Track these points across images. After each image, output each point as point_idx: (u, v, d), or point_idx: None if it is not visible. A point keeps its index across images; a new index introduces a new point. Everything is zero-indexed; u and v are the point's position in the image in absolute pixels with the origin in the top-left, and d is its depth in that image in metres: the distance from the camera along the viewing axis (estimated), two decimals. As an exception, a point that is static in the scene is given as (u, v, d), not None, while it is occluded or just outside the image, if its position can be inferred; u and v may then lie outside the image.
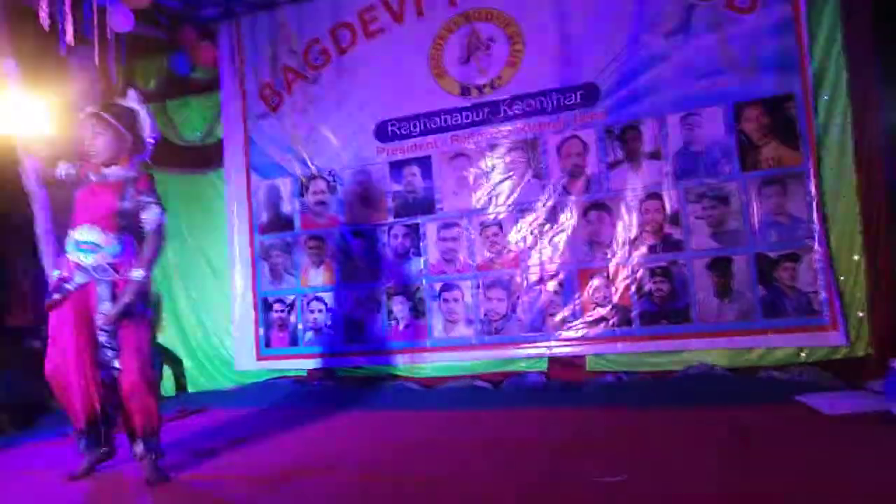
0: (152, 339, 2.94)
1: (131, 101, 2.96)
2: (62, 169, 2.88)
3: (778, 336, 3.93)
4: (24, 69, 4.11)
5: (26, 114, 3.44)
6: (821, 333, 3.86)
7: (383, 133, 4.87)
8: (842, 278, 3.88)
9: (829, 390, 3.46)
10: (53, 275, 2.88)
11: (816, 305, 3.88)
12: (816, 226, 3.90)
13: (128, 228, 2.83)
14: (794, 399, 3.35)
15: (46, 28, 3.91)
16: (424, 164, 4.76)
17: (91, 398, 2.73)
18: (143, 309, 2.81)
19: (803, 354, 3.93)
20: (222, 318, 5.23)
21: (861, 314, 3.85)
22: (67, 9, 4.05)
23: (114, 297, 2.74)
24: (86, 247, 2.74)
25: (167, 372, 5.28)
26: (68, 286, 2.75)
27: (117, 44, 4.56)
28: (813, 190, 3.91)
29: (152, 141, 2.99)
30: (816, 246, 3.89)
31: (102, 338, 2.73)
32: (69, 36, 4.05)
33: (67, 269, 2.79)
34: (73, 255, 2.77)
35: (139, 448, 2.73)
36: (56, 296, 2.76)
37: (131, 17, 4.52)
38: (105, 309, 2.72)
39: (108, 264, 2.76)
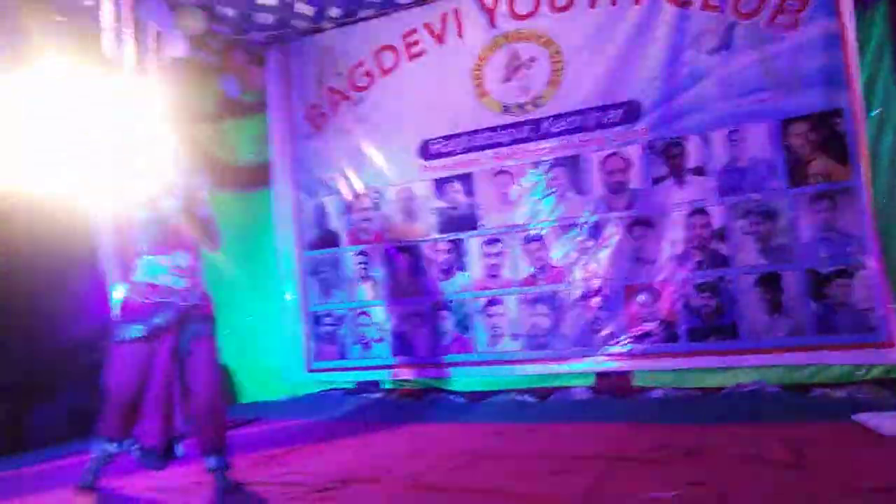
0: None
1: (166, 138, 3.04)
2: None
3: (832, 353, 3.88)
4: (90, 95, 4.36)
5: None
6: (878, 350, 3.79)
7: (426, 151, 4.97)
8: (898, 294, 3.81)
9: (888, 409, 3.38)
10: (118, 296, 2.93)
11: (873, 322, 3.81)
12: (870, 241, 3.83)
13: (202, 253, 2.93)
14: (850, 418, 3.28)
15: (110, 56, 4.12)
16: (467, 181, 4.84)
17: (169, 421, 2.80)
18: (214, 324, 2.89)
19: (860, 372, 3.85)
20: (273, 331, 5.37)
21: (918, 331, 3.76)
22: (128, 36, 4.27)
23: (203, 320, 2.81)
24: (178, 272, 2.79)
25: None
26: (158, 321, 2.74)
27: (172, 68, 4.78)
28: (865, 205, 3.86)
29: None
30: (871, 262, 3.82)
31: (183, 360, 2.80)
32: (130, 62, 4.26)
33: (146, 296, 2.77)
34: (161, 279, 2.78)
35: (212, 461, 2.79)
36: (140, 331, 2.73)
37: (186, 43, 4.73)
38: (191, 332, 2.78)
39: (194, 288, 2.83)
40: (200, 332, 2.80)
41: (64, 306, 4.41)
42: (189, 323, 2.79)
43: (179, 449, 2.88)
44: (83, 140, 3.90)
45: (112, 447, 2.78)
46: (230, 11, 4.89)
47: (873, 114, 3.93)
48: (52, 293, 4.34)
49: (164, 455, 2.83)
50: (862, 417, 3.22)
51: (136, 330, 2.73)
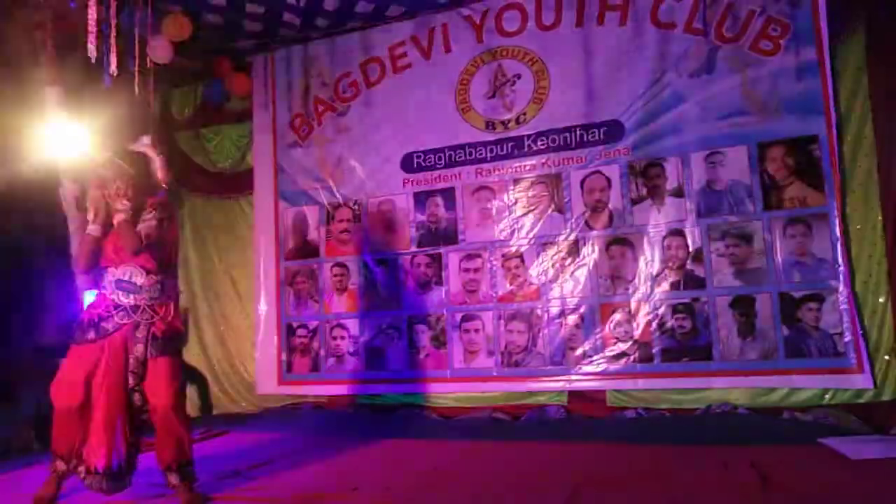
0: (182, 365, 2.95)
1: (144, 146, 2.96)
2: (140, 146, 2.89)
3: (802, 377, 3.90)
4: (70, 97, 4.33)
5: (69, 140, 3.54)
6: (846, 376, 3.82)
7: (409, 164, 4.97)
8: (867, 321, 3.85)
9: (854, 434, 3.42)
10: (85, 303, 2.90)
11: (841, 347, 3.84)
12: (841, 267, 3.88)
13: (169, 270, 2.88)
14: (817, 442, 3.30)
15: (93, 59, 4.10)
16: (448, 195, 4.85)
17: (117, 442, 2.74)
18: (173, 342, 2.84)
19: (828, 396, 3.89)
20: (246, 341, 5.32)
21: (887, 357, 3.81)
22: (112, 41, 4.25)
23: (152, 340, 2.75)
24: (126, 286, 2.77)
25: (191, 392, 5.35)
26: (107, 326, 2.75)
27: (156, 74, 4.76)
28: (837, 231, 3.91)
29: (165, 186, 2.99)
30: (841, 287, 3.87)
31: (131, 380, 2.75)
32: (113, 66, 4.24)
33: (104, 307, 2.78)
34: (113, 294, 2.78)
35: (173, 479, 2.74)
36: (90, 335, 2.75)
37: (170, 49, 4.72)
38: (139, 352, 2.74)
39: (148, 306, 2.78)
40: (156, 350, 2.74)
41: (32, 310, 4.33)
42: (142, 340, 2.74)
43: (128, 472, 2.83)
44: (62, 143, 3.86)
45: (62, 465, 2.75)
46: (217, 19, 4.89)
47: (848, 141, 4.00)
48: (21, 296, 4.27)
49: (113, 478, 2.75)
50: (829, 441, 3.25)
51: (85, 334, 2.75)
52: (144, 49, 4.55)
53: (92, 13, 4.05)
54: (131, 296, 2.77)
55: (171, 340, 2.81)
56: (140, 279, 2.78)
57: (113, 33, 4.21)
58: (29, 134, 3.74)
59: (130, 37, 4.41)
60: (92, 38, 4.01)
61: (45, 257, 4.45)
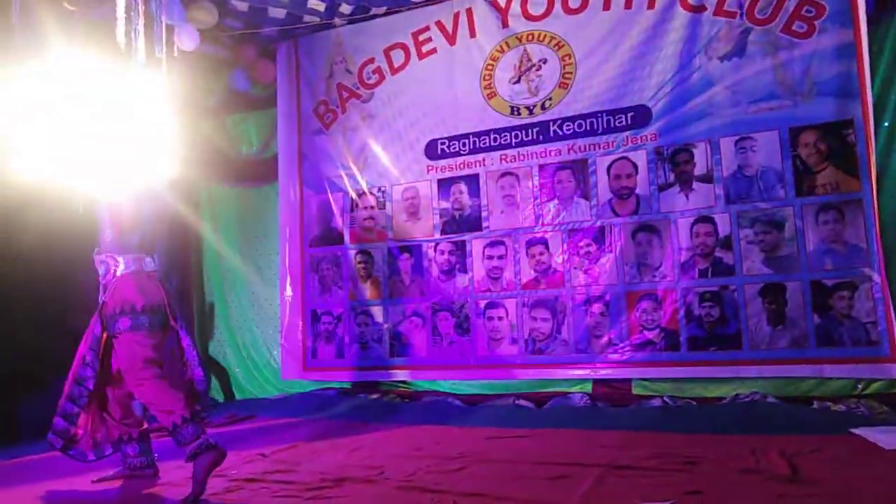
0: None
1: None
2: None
3: (833, 366, 3.83)
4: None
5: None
6: (880, 365, 3.74)
7: (433, 151, 4.96)
8: (902, 309, 3.76)
9: (888, 424, 3.34)
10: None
11: (875, 336, 3.76)
12: (876, 255, 3.79)
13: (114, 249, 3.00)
14: (849, 431, 3.24)
15: (122, 47, 4.13)
16: (472, 182, 4.83)
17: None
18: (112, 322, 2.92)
19: (860, 386, 3.81)
20: (272, 328, 5.37)
21: (922, 346, 3.72)
22: (140, 28, 4.28)
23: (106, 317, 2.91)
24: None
25: (215, 381, 5.46)
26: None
27: (182, 61, 4.79)
28: (872, 217, 3.81)
29: None
30: (875, 275, 3.78)
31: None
32: (141, 55, 4.27)
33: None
34: None
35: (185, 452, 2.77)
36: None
37: (197, 37, 4.75)
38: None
39: (103, 286, 2.97)
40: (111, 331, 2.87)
41: (71, 298, 4.41)
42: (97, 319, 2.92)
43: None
44: (94, 132, 3.91)
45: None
46: (243, 6, 4.91)
47: (884, 126, 3.89)
48: (60, 285, 4.34)
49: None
50: (861, 431, 3.18)
51: None
52: (171, 37, 4.58)
53: (120, 1, 4.10)
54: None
55: (111, 320, 2.86)
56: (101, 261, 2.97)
57: (141, 21, 4.25)
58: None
59: (157, 24, 4.44)
60: (121, 25, 4.06)
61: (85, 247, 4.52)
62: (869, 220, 3.82)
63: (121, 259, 2.94)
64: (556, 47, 4.65)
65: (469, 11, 4.86)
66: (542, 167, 4.64)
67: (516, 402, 4.42)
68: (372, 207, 5.13)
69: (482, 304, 4.72)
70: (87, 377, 2.86)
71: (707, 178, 4.22)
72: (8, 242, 4.23)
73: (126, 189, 3.03)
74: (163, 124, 3.32)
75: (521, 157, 4.70)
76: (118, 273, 2.92)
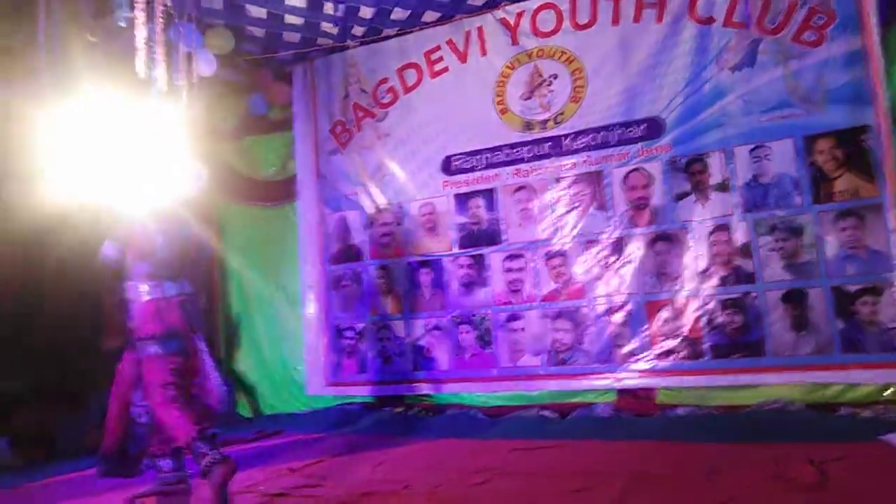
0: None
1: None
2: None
3: (859, 371, 3.81)
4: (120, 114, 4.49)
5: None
6: (907, 370, 3.71)
7: (448, 167, 5.02)
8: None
9: (916, 430, 3.31)
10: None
11: (900, 341, 3.74)
12: (897, 259, 3.78)
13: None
14: (876, 438, 3.22)
15: (142, 75, 4.24)
16: (489, 196, 4.88)
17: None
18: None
19: (888, 392, 3.78)
20: (296, 344, 5.44)
21: (949, 350, 3.69)
22: (160, 57, 4.39)
23: None
24: None
25: (243, 398, 5.56)
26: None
27: (201, 87, 4.90)
28: (893, 222, 3.80)
29: None
30: (898, 280, 3.76)
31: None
32: (162, 82, 4.38)
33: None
34: None
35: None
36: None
37: (214, 62, 4.86)
38: None
39: None
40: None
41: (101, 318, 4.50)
42: None
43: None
44: (119, 159, 4.01)
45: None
46: (258, 31, 5.02)
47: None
48: (92, 305, 4.44)
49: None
50: (889, 437, 3.16)
51: None
52: (190, 63, 4.70)
53: (140, 32, 4.21)
54: None
55: (137, 343, 3.09)
56: None
57: (161, 50, 4.36)
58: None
59: (175, 52, 4.55)
60: (141, 55, 4.17)
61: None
62: (889, 225, 3.81)
63: (142, 286, 3.06)
64: (567, 62, 4.71)
65: (480, 30, 4.94)
66: (557, 180, 4.68)
67: (540, 412, 4.44)
68: (390, 223, 5.19)
69: (503, 316, 4.75)
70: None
71: (723, 187, 4.23)
72: (41, 263, 4.34)
73: (147, 216, 3.13)
74: (184, 149, 3.42)
75: (536, 171, 4.75)
76: (141, 300, 3.05)
